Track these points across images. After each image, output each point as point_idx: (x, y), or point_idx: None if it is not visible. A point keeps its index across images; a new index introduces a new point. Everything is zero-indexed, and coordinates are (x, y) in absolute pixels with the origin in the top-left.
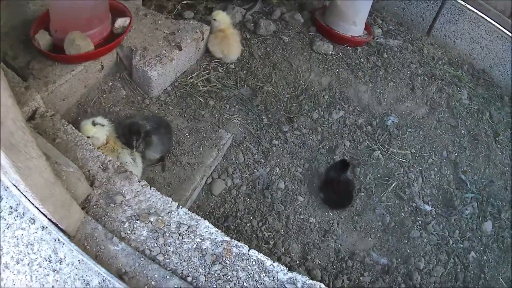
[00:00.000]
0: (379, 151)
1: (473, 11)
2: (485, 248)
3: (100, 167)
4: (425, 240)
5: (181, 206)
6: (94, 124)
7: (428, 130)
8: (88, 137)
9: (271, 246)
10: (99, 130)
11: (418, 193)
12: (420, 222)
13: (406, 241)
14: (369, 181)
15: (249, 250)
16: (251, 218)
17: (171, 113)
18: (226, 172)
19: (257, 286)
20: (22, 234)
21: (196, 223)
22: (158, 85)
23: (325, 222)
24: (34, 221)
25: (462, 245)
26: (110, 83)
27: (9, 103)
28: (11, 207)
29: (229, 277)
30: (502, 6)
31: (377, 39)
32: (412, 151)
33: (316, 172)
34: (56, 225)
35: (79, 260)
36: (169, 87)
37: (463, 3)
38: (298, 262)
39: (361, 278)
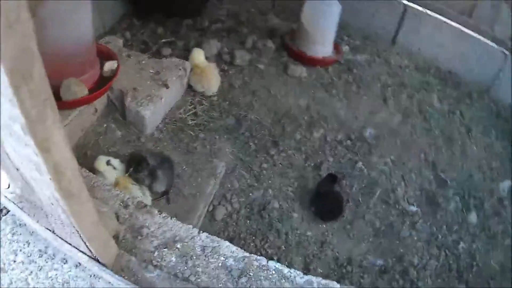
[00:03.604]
0: (361, 163)
1: (434, 16)
2: (473, 237)
3: (120, 205)
4: (415, 238)
5: (201, 231)
6: (107, 163)
7: (404, 136)
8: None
9: (275, 262)
10: (108, 171)
11: (402, 196)
12: (408, 222)
13: (398, 241)
14: (355, 191)
15: (267, 261)
16: (254, 238)
17: (166, 149)
18: (225, 198)
19: None
20: (56, 274)
21: (218, 244)
22: (151, 123)
23: (320, 234)
24: (66, 261)
25: (451, 238)
26: (105, 125)
27: (69, 155)
28: (40, 250)
29: (254, 287)
30: (460, 6)
31: (346, 56)
32: (391, 158)
33: (306, 189)
34: (97, 260)
35: None
36: (160, 124)
37: (423, 9)
38: (302, 273)
39: (361, 280)
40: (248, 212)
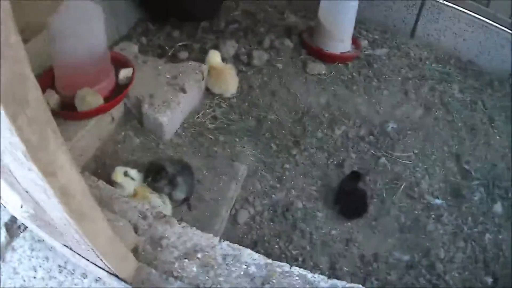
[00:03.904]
0: (384, 158)
1: (452, 7)
2: (499, 228)
3: (139, 216)
4: (441, 231)
5: (222, 240)
6: (125, 174)
7: (426, 129)
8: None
9: (300, 262)
10: (126, 182)
11: (427, 190)
12: (433, 216)
13: (424, 236)
14: (379, 187)
15: (290, 267)
16: (278, 240)
17: (186, 154)
18: (247, 202)
19: None
20: None
21: (239, 252)
22: (169, 129)
23: (345, 232)
24: (86, 276)
25: (476, 230)
26: (123, 133)
27: (76, 177)
28: (59, 266)
29: None
30: None
31: (365, 51)
32: (414, 151)
33: (329, 187)
34: (116, 276)
35: None
36: (179, 129)
37: (441, 0)
38: (327, 273)
39: (388, 277)
40: (271, 214)
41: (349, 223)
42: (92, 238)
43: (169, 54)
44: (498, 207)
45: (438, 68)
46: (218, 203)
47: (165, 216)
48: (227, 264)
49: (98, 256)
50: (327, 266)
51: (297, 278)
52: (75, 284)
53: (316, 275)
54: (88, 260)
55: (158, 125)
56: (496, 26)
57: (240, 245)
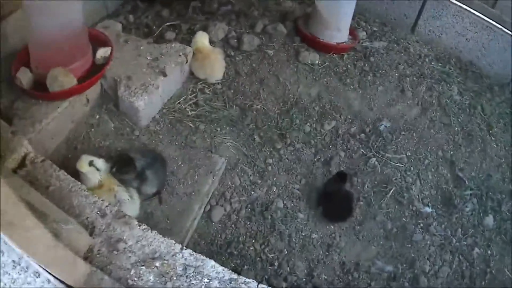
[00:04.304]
0: (375, 158)
1: (456, 4)
2: (489, 242)
3: (98, 213)
4: (428, 242)
5: (185, 248)
6: (91, 164)
7: (421, 131)
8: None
9: (276, 267)
10: (91, 172)
11: (417, 196)
12: (421, 224)
13: (410, 245)
14: (367, 189)
15: (257, 285)
16: (253, 241)
17: (162, 142)
18: (224, 198)
19: None
20: None
21: (202, 263)
22: (146, 114)
23: (327, 236)
24: (39, 275)
25: (465, 243)
26: (97, 116)
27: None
28: (14, 261)
29: None
30: None
31: (362, 42)
32: (407, 154)
33: (314, 187)
34: (63, 282)
35: None
36: (157, 115)
37: None
38: (304, 279)
39: None
40: (249, 212)
41: (331, 227)
42: (27, 247)
43: (156, 34)
44: (489, 220)
45: (437, 67)
46: (192, 198)
47: (125, 216)
48: (187, 276)
49: (44, 269)
50: (305, 273)
51: None
52: (28, 283)
53: None
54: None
55: (134, 109)
56: (501, 29)
57: (212, 245)
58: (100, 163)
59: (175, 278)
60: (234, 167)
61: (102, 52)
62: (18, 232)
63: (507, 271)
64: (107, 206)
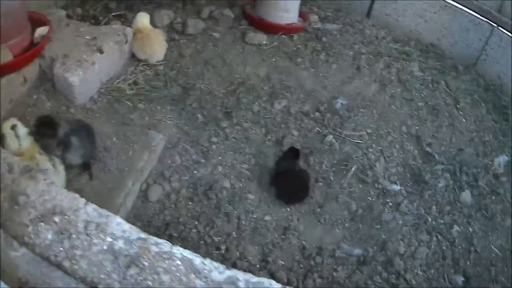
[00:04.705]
0: (331, 136)
1: None
2: (468, 219)
3: (6, 169)
4: (400, 222)
5: (89, 203)
6: (12, 128)
7: (381, 107)
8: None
9: (223, 251)
10: (10, 136)
11: (382, 174)
12: (390, 204)
13: (379, 226)
14: (325, 168)
15: (171, 248)
16: (196, 223)
17: (97, 120)
18: (163, 176)
19: None
20: None
21: (106, 220)
22: (82, 92)
23: (282, 219)
24: None
25: (442, 221)
26: (35, 96)
27: None
28: None
29: (149, 282)
30: None
31: (314, 25)
32: (368, 131)
33: (265, 167)
34: None
35: None
36: (95, 94)
37: None
38: (258, 266)
39: (334, 274)
40: (191, 192)
41: (288, 209)
42: None
43: (102, 24)
44: (466, 196)
45: (396, 47)
46: (124, 174)
47: (31, 170)
48: (87, 234)
49: None
50: (258, 258)
51: (179, 263)
52: None
53: (207, 261)
54: None
55: (68, 85)
56: (461, 8)
57: (149, 226)
58: (22, 129)
59: (74, 236)
60: (174, 146)
61: (41, 31)
62: None
63: (493, 248)
64: (16, 161)
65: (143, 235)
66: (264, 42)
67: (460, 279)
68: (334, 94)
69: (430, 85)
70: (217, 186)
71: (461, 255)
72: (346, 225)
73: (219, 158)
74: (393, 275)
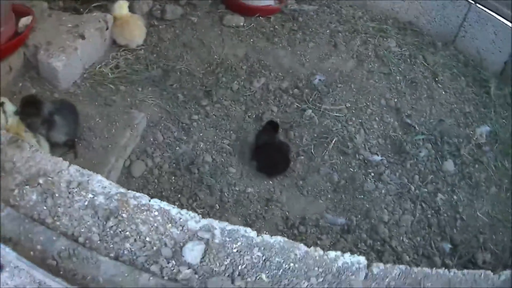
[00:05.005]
0: (311, 110)
1: None
2: (453, 188)
3: None
4: (383, 191)
5: (73, 165)
6: (0, 104)
7: (360, 82)
8: None
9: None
10: None
11: (363, 145)
12: (372, 174)
13: (362, 196)
14: (306, 142)
15: (149, 200)
16: (179, 196)
17: (81, 103)
18: (146, 153)
19: (163, 240)
20: None
21: (87, 179)
22: (66, 77)
23: (265, 191)
24: None
25: (426, 189)
26: (20, 84)
27: None
28: None
29: (127, 232)
30: None
31: (290, 6)
32: (347, 105)
33: (246, 142)
34: None
35: None
36: (78, 79)
37: None
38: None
39: (319, 242)
40: (173, 167)
41: (270, 182)
42: None
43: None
44: (449, 165)
45: (373, 25)
46: (107, 150)
47: (18, 140)
48: (69, 192)
49: None
50: None
51: (156, 213)
52: None
53: (184, 211)
54: None
55: (52, 70)
56: None
57: None
58: (10, 107)
59: (57, 195)
60: (156, 124)
61: (24, 21)
62: None
63: (480, 215)
64: (2, 135)
65: (122, 189)
66: (242, 24)
67: (447, 246)
68: (312, 70)
69: (408, 60)
70: (198, 160)
71: (447, 223)
72: (329, 196)
73: (200, 134)
74: (378, 242)
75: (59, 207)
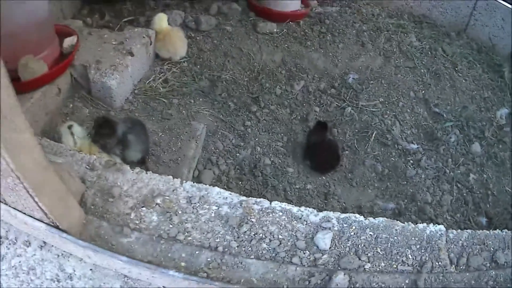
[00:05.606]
0: (350, 108)
1: None
2: (482, 167)
3: (86, 167)
4: (423, 176)
5: (184, 181)
6: (69, 127)
7: (389, 77)
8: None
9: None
10: (65, 134)
11: (400, 136)
12: (411, 161)
13: (405, 182)
14: (349, 138)
15: (270, 203)
16: None
17: (139, 118)
18: (211, 162)
19: (294, 235)
20: (19, 262)
21: (206, 192)
22: (119, 95)
23: (321, 186)
24: (29, 243)
25: (459, 171)
26: (71, 105)
27: None
28: (0, 237)
29: (261, 234)
30: None
31: (315, 9)
32: (380, 100)
33: (296, 142)
34: (57, 227)
35: (91, 269)
36: (130, 96)
37: None
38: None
39: None
40: (238, 173)
41: (323, 177)
42: (14, 154)
43: (116, 29)
44: (476, 147)
45: (392, 21)
46: (179, 163)
47: (115, 163)
48: (193, 207)
49: (29, 194)
50: None
51: (280, 214)
52: (18, 255)
53: (303, 209)
54: (24, 214)
55: (107, 89)
56: None
57: None
58: (77, 128)
59: (180, 211)
60: (214, 133)
61: (69, 41)
62: (5, 126)
63: (509, 190)
64: (95, 159)
65: (243, 197)
66: (275, 30)
67: (484, 220)
68: (345, 70)
69: (429, 52)
70: (260, 164)
71: (480, 199)
72: (376, 185)
73: (256, 139)
74: (427, 221)
75: (186, 223)
